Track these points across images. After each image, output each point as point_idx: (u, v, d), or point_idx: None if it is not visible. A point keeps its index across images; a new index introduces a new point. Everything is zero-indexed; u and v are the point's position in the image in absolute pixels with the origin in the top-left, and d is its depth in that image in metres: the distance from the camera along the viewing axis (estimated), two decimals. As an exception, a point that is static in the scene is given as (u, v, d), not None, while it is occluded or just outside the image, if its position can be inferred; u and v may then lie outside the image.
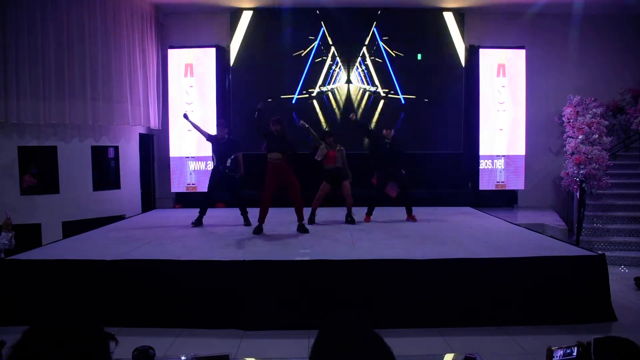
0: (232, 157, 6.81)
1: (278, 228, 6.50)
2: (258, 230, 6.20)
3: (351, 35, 9.74)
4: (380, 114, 9.80)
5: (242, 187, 7.09)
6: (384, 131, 7.08)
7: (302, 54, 9.74)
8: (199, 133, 7.08)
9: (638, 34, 9.87)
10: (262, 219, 6.26)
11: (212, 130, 7.15)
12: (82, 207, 7.99)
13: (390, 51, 9.74)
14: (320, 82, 9.76)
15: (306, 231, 6.22)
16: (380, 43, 9.73)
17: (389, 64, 9.75)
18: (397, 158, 7.03)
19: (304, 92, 9.79)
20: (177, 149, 9.52)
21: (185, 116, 7.07)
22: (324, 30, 9.72)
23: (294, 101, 9.76)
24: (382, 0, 9.51)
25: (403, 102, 9.76)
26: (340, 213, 7.17)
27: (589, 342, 1.61)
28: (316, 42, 9.72)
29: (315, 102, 9.82)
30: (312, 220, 6.86)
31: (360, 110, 9.83)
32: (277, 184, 6.18)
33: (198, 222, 6.83)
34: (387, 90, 9.78)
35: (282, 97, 9.72)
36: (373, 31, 9.74)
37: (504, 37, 9.62)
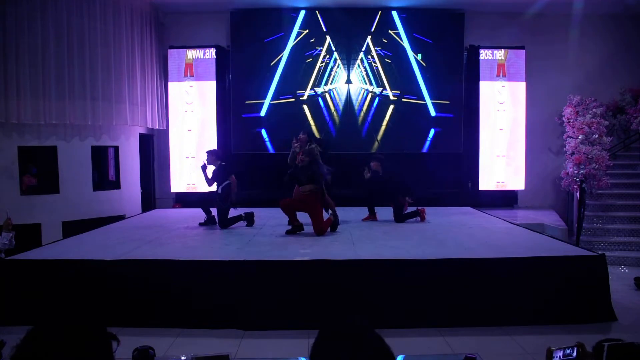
0: (223, 184, 6.60)
1: (278, 228, 6.49)
2: (293, 230, 6.14)
3: (351, 35, 9.74)
4: (374, 112, 9.82)
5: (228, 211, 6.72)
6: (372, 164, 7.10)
7: (302, 54, 9.74)
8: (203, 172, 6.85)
9: (638, 33, 9.87)
10: (294, 219, 6.18)
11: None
12: (82, 207, 7.99)
13: (389, 51, 9.74)
14: (311, 82, 9.76)
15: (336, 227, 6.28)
16: (382, 43, 9.74)
17: (387, 64, 9.75)
18: (388, 190, 7.02)
19: (307, 91, 9.80)
20: (177, 149, 9.53)
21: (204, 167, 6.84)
22: (323, 30, 9.72)
23: (304, 98, 9.79)
24: (382, 0, 9.52)
25: (402, 101, 9.78)
26: (340, 213, 7.15)
27: (600, 345, 1.60)
28: (307, 37, 9.74)
29: (320, 99, 9.83)
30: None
31: (361, 110, 9.86)
32: (299, 208, 6.15)
33: (209, 222, 6.79)
34: (383, 89, 9.78)
35: (282, 97, 9.75)
36: (372, 31, 9.74)
37: (504, 37, 9.63)
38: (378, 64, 9.75)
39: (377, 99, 9.81)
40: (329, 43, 9.73)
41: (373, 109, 9.83)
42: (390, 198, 7.09)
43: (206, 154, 6.89)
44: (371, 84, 9.79)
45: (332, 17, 9.65)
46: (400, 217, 7.06)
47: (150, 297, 4.59)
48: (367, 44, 9.74)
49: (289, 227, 6.26)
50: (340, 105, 9.84)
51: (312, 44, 9.73)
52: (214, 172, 6.74)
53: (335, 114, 9.84)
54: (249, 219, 6.78)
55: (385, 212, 7.36)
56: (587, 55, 9.77)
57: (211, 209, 6.83)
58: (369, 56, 9.75)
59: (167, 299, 4.58)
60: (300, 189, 6.17)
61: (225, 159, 6.93)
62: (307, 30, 9.71)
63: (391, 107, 9.81)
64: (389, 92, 9.78)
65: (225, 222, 6.63)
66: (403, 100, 9.78)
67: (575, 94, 9.30)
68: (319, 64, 9.75)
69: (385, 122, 9.82)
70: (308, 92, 9.79)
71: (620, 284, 5.90)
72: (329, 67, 9.77)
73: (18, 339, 1.08)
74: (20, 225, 6.10)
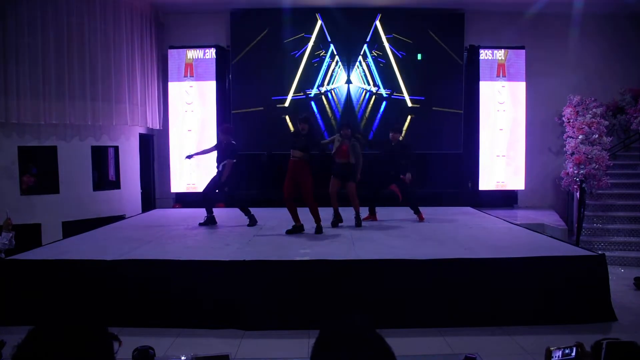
0: (224, 162, 6.71)
1: (278, 228, 6.49)
2: (293, 231, 6.16)
3: (351, 35, 9.75)
4: (381, 114, 9.81)
5: (234, 189, 6.95)
6: (390, 133, 7.14)
7: (303, 54, 9.74)
8: (209, 153, 7.13)
9: (638, 33, 9.87)
10: (295, 218, 6.19)
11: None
12: (82, 207, 7.99)
13: (390, 51, 9.74)
14: (319, 82, 9.76)
15: (320, 232, 6.17)
16: (383, 43, 9.74)
17: (388, 64, 9.75)
18: (395, 162, 6.98)
19: (302, 92, 9.80)
20: (177, 149, 9.52)
21: (189, 157, 7.11)
22: (324, 30, 9.72)
23: (287, 103, 9.78)
24: (382, 0, 9.53)
25: (402, 102, 9.78)
26: (341, 212, 7.15)
27: (599, 343, 1.60)
28: (313, 41, 9.74)
29: (314, 102, 9.82)
30: (335, 223, 6.63)
31: (362, 109, 9.86)
32: (293, 182, 6.08)
33: (209, 222, 6.80)
34: (386, 90, 9.79)
35: (279, 97, 9.75)
36: (373, 31, 9.74)
37: (504, 37, 9.62)
38: (388, 60, 9.74)
39: (379, 99, 9.80)
40: (329, 43, 9.73)
41: (372, 108, 9.83)
42: (392, 174, 7.02)
43: (220, 130, 7.03)
44: (375, 84, 9.78)
45: (333, 17, 9.64)
46: (409, 199, 7.11)
47: (150, 297, 4.59)
48: (367, 45, 9.74)
49: (290, 227, 6.27)
50: (340, 107, 9.83)
51: (312, 45, 9.72)
52: (224, 146, 6.80)
53: (332, 115, 9.83)
54: (253, 221, 6.78)
55: (385, 213, 7.37)
56: (587, 55, 9.77)
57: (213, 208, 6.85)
58: (373, 53, 9.74)
59: (167, 299, 4.58)
60: (291, 153, 6.13)
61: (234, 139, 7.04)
62: (307, 30, 9.72)
63: (384, 103, 9.81)
64: (382, 90, 9.79)
65: (236, 201, 6.72)
66: (404, 100, 9.78)
67: (575, 94, 9.30)
68: (314, 64, 9.76)
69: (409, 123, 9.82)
70: (315, 91, 9.81)
71: (620, 284, 5.90)
72: (330, 68, 9.77)
73: (18, 339, 1.08)
74: (20, 225, 6.10)
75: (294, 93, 9.78)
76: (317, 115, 9.78)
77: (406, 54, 9.74)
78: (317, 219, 6.19)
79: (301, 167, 6.02)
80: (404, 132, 9.54)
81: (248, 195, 8.86)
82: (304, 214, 6.24)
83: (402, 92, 9.78)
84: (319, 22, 9.70)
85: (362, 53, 9.76)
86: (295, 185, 6.07)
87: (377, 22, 9.73)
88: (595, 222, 7.95)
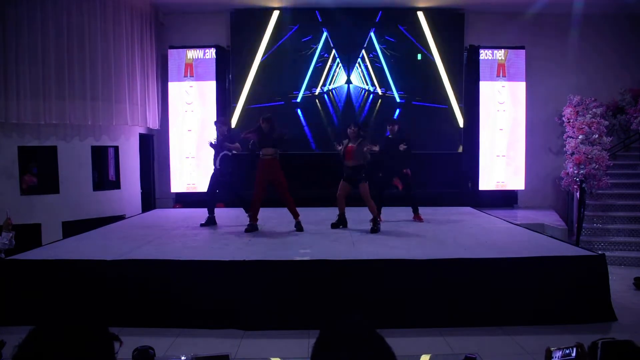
0: (221, 154, 6.73)
1: (278, 228, 6.49)
2: (251, 229, 6.25)
3: (351, 35, 9.75)
4: (377, 112, 9.80)
5: (239, 187, 7.03)
6: (388, 127, 7.15)
7: (302, 54, 9.74)
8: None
9: (638, 33, 9.87)
10: (255, 216, 6.36)
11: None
12: (82, 207, 7.99)
13: (390, 51, 9.74)
14: (306, 83, 9.76)
15: (301, 229, 6.26)
16: (380, 44, 9.74)
17: (388, 64, 9.75)
18: (395, 154, 6.91)
19: (306, 91, 9.80)
20: (177, 149, 9.53)
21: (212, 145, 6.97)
22: (324, 30, 9.73)
23: (299, 99, 9.79)
24: (382, 0, 9.52)
25: (401, 101, 9.77)
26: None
27: (595, 343, 1.60)
28: (307, 37, 9.74)
29: (318, 101, 9.83)
30: (343, 224, 6.53)
31: (362, 109, 9.86)
32: (267, 181, 6.25)
33: (209, 222, 6.81)
34: (384, 89, 9.78)
35: (281, 97, 9.76)
36: (373, 31, 9.74)
37: (504, 37, 9.62)
38: (382, 63, 9.74)
39: (377, 99, 9.80)
40: (329, 43, 9.73)
41: (374, 109, 9.84)
42: (394, 168, 7.00)
43: (215, 125, 7.02)
44: (372, 84, 9.78)
45: (332, 17, 9.64)
46: (410, 198, 7.11)
47: (150, 297, 4.59)
48: (367, 44, 9.74)
49: (291, 227, 6.28)
50: (339, 107, 9.83)
51: (312, 44, 9.72)
52: (219, 141, 6.80)
53: (324, 117, 9.83)
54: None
55: (386, 213, 7.35)
56: (587, 55, 9.77)
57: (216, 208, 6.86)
58: (371, 54, 9.73)
59: (167, 299, 4.58)
60: (261, 152, 6.24)
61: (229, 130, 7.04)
62: (306, 31, 9.72)
63: (391, 106, 9.82)
64: (383, 90, 9.78)
65: (243, 201, 6.78)
66: (403, 100, 9.78)
67: (575, 94, 9.30)
68: (316, 65, 9.75)
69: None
70: (302, 93, 9.81)
71: (620, 284, 5.90)
72: (329, 68, 9.76)
73: (18, 339, 1.08)
74: (20, 225, 6.10)
75: (301, 91, 9.73)
76: (303, 121, 9.77)
77: (406, 53, 9.72)
78: (296, 215, 6.33)
79: (275, 165, 6.19)
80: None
81: (249, 195, 8.86)
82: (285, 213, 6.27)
83: (400, 92, 9.76)
84: (321, 23, 9.69)
85: (361, 53, 9.74)
86: (268, 186, 6.26)
87: (377, 22, 9.71)
88: (595, 222, 7.95)
